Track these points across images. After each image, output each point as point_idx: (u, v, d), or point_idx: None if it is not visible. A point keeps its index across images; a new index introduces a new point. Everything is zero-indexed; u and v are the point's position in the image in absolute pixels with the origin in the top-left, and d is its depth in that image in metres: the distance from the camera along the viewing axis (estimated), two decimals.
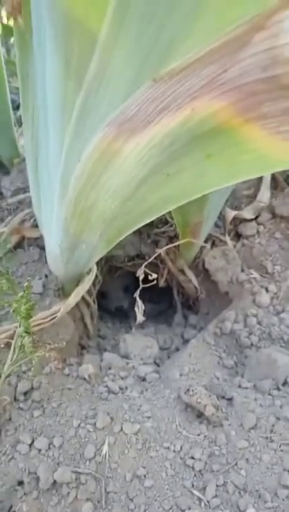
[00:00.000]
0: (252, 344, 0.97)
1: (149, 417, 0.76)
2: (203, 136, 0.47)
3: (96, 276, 1.25)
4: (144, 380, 0.93)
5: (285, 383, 0.85)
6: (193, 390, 0.77)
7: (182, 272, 1.24)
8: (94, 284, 1.23)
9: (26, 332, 0.70)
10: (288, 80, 0.39)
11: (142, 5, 0.41)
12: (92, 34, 0.45)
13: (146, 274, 0.94)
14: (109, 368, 0.96)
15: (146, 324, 1.36)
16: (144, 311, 1.52)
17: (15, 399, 0.80)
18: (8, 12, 0.70)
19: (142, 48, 0.44)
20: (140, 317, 0.96)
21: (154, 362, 1.03)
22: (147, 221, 0.68)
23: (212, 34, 0.36)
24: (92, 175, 0.63)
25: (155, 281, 1.07)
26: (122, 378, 0.92)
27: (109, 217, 0.72)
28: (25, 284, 0.69)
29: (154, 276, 0.89)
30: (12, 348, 0.73)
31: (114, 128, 0.53)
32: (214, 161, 0.50)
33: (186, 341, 1.17)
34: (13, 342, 0.73)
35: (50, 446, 0.72)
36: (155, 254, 0.98)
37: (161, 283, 1.31)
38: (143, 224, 0.69)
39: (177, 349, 1.14)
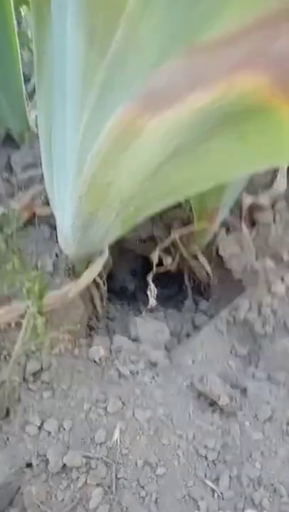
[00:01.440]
0: (266, 334, 0.95)
1: (161, 404, 0.75)
2: (237, 116, 0.44)
3: (107, 260, 1.23)
4: (155, 365, 0.90)
5: None
6: (207, 379, 0.75)
7: (195, 257, 1.21)
8: (105, 265, 1.20)
9: (39, 313, 0.68)
10: None
11: None
12: (117, 2, 0.42)
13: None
14: (120, 351, 0.94)
15: (156, 308, 1.33)
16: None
17: (24, 379, 0.78)
18: None
19: (174, 16, 0.40)
20: (152, 301, 0.94)
21: (165, 347, 1.01)
22: (167, 204, 0.65)
23: (256, 4, 0.33)
24: (113, 152, 0.59)
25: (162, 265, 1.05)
26: (133, 362, 0.90)
27: (126, 197, 0.68)
28: (39, 262, 0.67)
29: (169, 261, 0.86)
30: (23, 328, 0.70)
31: (139, 102, 0.49)
32: (248, 142, 0.46)
33: (196, 327, 1.15)
34: (24, 322, 0.71)
35: (60, 428, 0.70)
36: (169, 238, 0.95)
37: (173, 267, 1.28)
38: (162, 207, 0.66)
39: (187, 335, 1.12)
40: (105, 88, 0.53)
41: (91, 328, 1.13)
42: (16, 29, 1.24)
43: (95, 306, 1.18)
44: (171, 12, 0.42)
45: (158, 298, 1.49)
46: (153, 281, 1.42)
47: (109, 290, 1.44)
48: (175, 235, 1.02)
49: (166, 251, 1.29)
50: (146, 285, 1.06)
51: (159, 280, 1.53)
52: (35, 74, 0.83)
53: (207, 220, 1.03)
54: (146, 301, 1.05)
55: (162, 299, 1.48)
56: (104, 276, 1.21)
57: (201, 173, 0.56)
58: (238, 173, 0.52)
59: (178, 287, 1.47)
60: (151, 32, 0.44)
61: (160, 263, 0.91)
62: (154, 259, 0.90)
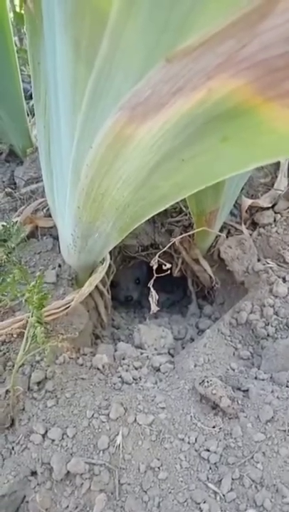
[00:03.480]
0: (268, 335, 0.95)
1: (163, 408, 0.75)
2: (219, 118, 0.45)
3: (110, 266, 1.24)
4: (158, 370, 0.91)
5: None
6: (208, 381, 0.76)
7: (197, 261, 1.22)
8: (107, 273, 1.22)
9: (38, 322, 0.69)
10: None
11: None
12: (102, 12, 0.43)
13: (159, 264, 0.92)
14: (123, 358, 0.95)
15: (160, 314, 1.34)
16: (158, 301, 1.51)
17: (28, 388, 0.79)
18: None
19: (154, 25, 0.42)
20: (154, 307, 0.95)
21: (169, 352, 1.02)
22: (161, 209, 0.66)
23: (229, 6, 0.34)
24: (105, 161, 0.61)
25: (169, 271, 1.05)
26: (136, 368, 0.91)
27: (122, 205, 0.70)
28: (38, 273, 0.68)
29: (168, 266, 0.87)
30: (24, 337, 0.72)
31: (126, 112, 0.51)
32: (231, 144, 0.48)
33: (200, 331, 1.16)
34: (25, 332, 0.72)
35: (64, 436, 0.71)
36: (169, 244, 0.97)
37: (176, 273, 1.29)
38: (157, 212, 0.67)
39: (192, 339, 1.12)
40: (94, 99, 0.55)
41: (96, 337, 1.14)
42: (15, 45, 1.26)
43: (99, 315, 1.19)
44: (151, 21, 0.43)
45: (163, 304, 1.51)
46: (158, 287, 1.43)
47: (114, 298, 1.46)
48: (175, 240, 1.02)
49: (169, 257, 1.30)
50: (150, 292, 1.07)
51: (164, 286, 1.54)
52: (32, 88, 0.85)
53: (206, 224, 1.03)
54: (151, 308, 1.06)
55: (167, 305, 1.49)
56: (108, 284, 1.22)
57: (189, 176, 0.57)
58: (225, 175, 0.52)
59: (183, 292, 1.48)
60: (133, 42, 0.46)
61: (163, 269, 0.91)
62: (154, 264, 0.91)
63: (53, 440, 0.70)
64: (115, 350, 0.98)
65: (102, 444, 0.69)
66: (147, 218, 0.70)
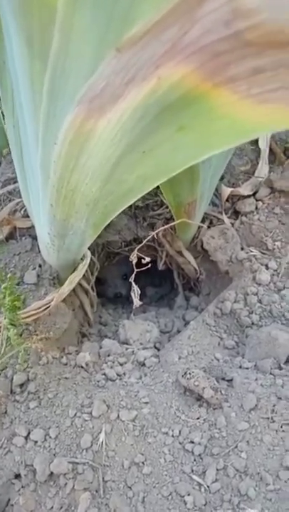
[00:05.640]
0: (253, 323, 0.94)
1: (146, 403, 0.75)
2: (173, 107, 0.44)
3: (93, 263, 1.23)
4: (143, 365, 0.91)
5: (287, 361, 0.83)
6: (190, 373, 0.75)
7: (180, 253, 1.21)
8: (92, 271, 1.21)
9: (12, 324, 0.69)
10: (252, 35, 0.35)
11: None
12: (50, 6, 0.42)
13: (143, 258, 0.91)
14: (108, 355, 0.94)
15: (147, 308, 1.34)
16: (146, 295, 1.50)
17: (11, 391, 0.79)
18: None
19: (101, 14, 0.41)
20: (137, 302, 0.94)
21: (154, 346, 1.01)
22: (130, 202, 0.66)
23: None
24: (70, 157, 0.60)
25: (154, 265, 1.05)
26: (121, 364, 0.90)
27: (92, 200, 0.69)
28: (9, 275, 0.67)
29: (148, 259, 0.87)
30: None
31: (84, 105, 0.50)
32: (186, 133, 0.47)
33: (187, 323, 1.15)
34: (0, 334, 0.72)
35: (46, 437, 0.71)
36: (149, 237, 0.96)
37: (161, 266, 1.28)
38: (127, 205, 0.67)
39: (179, 332, 1.12)
40: (53, 95, 0.54)
41: (83, 335, 1.14)
42: None
43: (85, 313, 1.19)
44: (96, 13, 0.42)
45: (152, 298, 1.50)
46: (146, 281, 1.42)
47: (102, 295, 1.45)
48: (154, 233, 1.01)
49: (153, 250, 1.29)
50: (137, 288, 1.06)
51: (152, 280, 1.53)
52: (0, 88, 0.84)
53: (186, 215, 1.02)
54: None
55: (155, 298, 1.48)
56: (92, 282, 1.22)
57: (151, 168, 0.57)
58: (185, 165, 0.52)
59: (170, 285, 1.47)
60: (83, 33, 0.45)
61: (146, 263, 0.91)
62: (133, 259, 0.90)
63: (36, 442, 0.70)
64: (100, 348, 0.97)
65: (85, 443, 0.69)
66: (118, 212, 0.69)
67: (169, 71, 0.39)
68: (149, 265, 0.94)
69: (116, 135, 0.52)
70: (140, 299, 0.96)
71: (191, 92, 0.40)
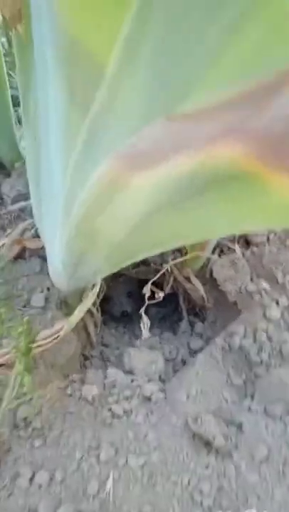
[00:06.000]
0: (262, 361, 0.93)
1: (155, 448, 0.73)
2: (221, 180, 0.43)
3: (100, 285, 1.21)
4: (149, 400, 0.89)
5: None
6: (201, 419, 0.74)
7: (188, 279, 1.19)
8: (98, 292, 1.19)
9: (26, 370, 0.66)
10: None
11: (158, 39, 0.36)
12: (99, 64, 0.40)
13: (156, 293, 0.90)
14: (114, 386, 0.92)
15: (150, 330, 1.32)
16: (148, 314, 1.48)
17: (14, 426, 0.77)
18: (8, 20, 0.64)
19: (154, 85, 0.39)
20: (146, 333, 0.93)
21: (160, 378, 0.99)
22: (158, 252, 0.64)
23: (237, 78, 0.31)
24: (99, 202, 0.59)
25: (160, 287, 1.03)
26: (127, 399, 0.88)
27: (115, 243, 0.68)
28: (25, 319, 0.65)
29: (161, 295, 0.85)
30: (11, 386, 0.69)
31: (122, 160, 0.49)
32: (236, 205, 0.45)
33: (192, 351, 1.14)
34: (12, 378, 0.69)
35: (52, 480, 0.69)
36: (161, 272, 0.94)
37: (167, 290, 1.26)
38: (153, 254, 0.65)
39: (183, 360, 1.11)
40: (88, 145, 0.53)
41: (85, 358, 1.12)
42: (3, 48, 1.22)
43: (88, 335, 1.17)
44: (152, 79, 0.41)
45: (153, 317, 1.48)
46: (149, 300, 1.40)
47: (104, 312, 1.43)
48: (168, 265, 1.00)
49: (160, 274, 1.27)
50: (141, 306, 1.04)
51: (154, 293, 1.51)
52: (22, 108, 0.82)
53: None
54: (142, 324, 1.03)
55: (158, 319, 1.46)
56: (98, 304, 1.20)
57: (186, 229, 0.55)
58: (224, 233, 0.51)
59: (174, 306, 1.45)
60: (132, 96, 0.43)
61: (154, 292, 0.90)
62: (147, 293, 0.88)
63: (41, 485, 0.68)
64: (105, 377, 0.95)
65: (92, 489, 0.67)
66: (142, 258, 0.68)
67: (223, 150, 0.38)
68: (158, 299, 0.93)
69: (153, 194, 0.51)
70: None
71: (246, 172, 0.39)
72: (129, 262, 0.72)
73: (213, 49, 0.33)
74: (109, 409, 0.83)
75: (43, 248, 1.06)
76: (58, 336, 0.86)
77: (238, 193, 0.44)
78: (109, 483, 0.67)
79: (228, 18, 0.31)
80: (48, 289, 1.00)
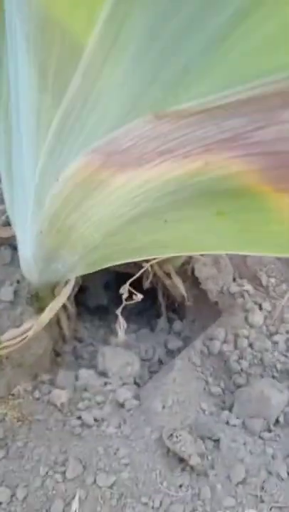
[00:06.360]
0: (242, 370, 0.89)
1: (126, 465, 0.68)
2: (216, 193, 0.37)
3: (75, 278, 1.15)
4: (122, 406, 0.84)
5: (276, 422, 0.78)
6: (177, 437, 0.69)
7: (169, 275, 1.14)
8: (73, 286, 1.13)
9: None
10: None
11: (148, 14, 0.29)
12: (75, 45, 0.33)
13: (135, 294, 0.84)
14: (85, 390, 0.87)
15: (127, 324, 1.26)
16: (127, 308, 1.43)
17: None
18: None
19: (142, 72, 0.32)
20: (122, 336, 0.87)
21: (135, 381, 0.94)
22: (138, 259, 0.58)
23: (246, 77, 0.25)
24: (72, 198, 0.53)
25: (139, 281, 0.98)
26: (99, 404, 0.83)
27: (91, 244, 0.61)
28: None
29: (140, 296, 0.80)
30: None
31: (100, 156, 0.43)
32: (226, 220, 0.39)
33: (169, 351, 1.09)
34: None
35: (13, 498, 0.63)
36: (142, 270, 0.88)
37: (146, 285, 1.21)
38: (133, 260, 0.59)
39: (160, 361, 1.06)
40: (62, 134, 0.46)
41: (57, 354, 1.06)
42: None
43: (61, 328, 1.11)
44: (136, 69, 0.34)
45: (130, 312, 1.42)
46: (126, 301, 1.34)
47: (79, 304, 1.36)
48: (148, 265, 0.94)
49: (139, 268, 1.21)
50: (118, 297, 0.98)
51: (132, 293, 1.45)
52: None
53: None
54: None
55: (135, 314, 1.41)
56: (72, 297, 1.13)
57: (173, 239, 0.49)
58: (217, 250, 0.45)
59: (152, 300, 1.40)
60: (113, 86, 0.36)
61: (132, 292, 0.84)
62: (124, 293, 0.82)
63: (1, 503, 0.63)
64: (76, 379, 0.90)
65: (55, 510, 0.62)
66: (120, 263, 0.62)
67: (222, 161, 0.32)
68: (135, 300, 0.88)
69: (135, 197, 0.44)
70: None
71: (246, 188, 0.33)
72: (107, 265, 0.66)
73: (218, 36, 0.27)
74: (79, 418, 0.78)
75: (14, 237, 0.99)
76: (27, 337, 0.80)
77: (234, 211, 0.38)
78: (75, 504, 0.63)
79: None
80: (18, 281, 0.93)
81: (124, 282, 0.92)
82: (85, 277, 1.29)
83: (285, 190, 0.31)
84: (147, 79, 0.32)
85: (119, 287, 0.98)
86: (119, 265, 1.20)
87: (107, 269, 1.36)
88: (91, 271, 0.72)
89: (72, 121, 0.42)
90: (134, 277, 0.86)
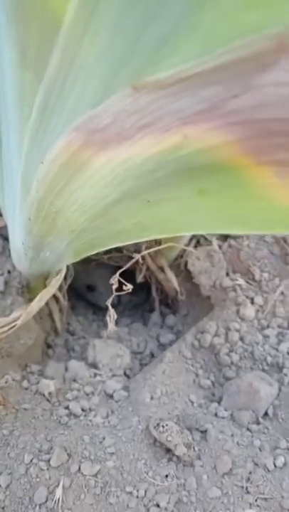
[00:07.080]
0: (232, 363, 0.88)
1: (111, 454, 0.68)
2: (197, 169, 0.36)
3: (68, 269, 1.14)
4: (111, 397, 0.84)
5: (265, 415, 0.77)
6: (163, 426, 0.69)
7: (162, 269, 1.13)
8: (65, 277, 1.12)
9: None
10: None
11: None
12: (54, 18, 0.33)
13: (124, 284, 0.83)
14: (74, 380, 0.87)
15: (120, 320, 1.26)
16: (121, 302, 1.43)
17: None
18: None
19: (120, 43, 0.32)
20: (112, 327, 0.87)
21: (125, 373, 0.94)
22: (123, 243, 0.58)
23: (222, 42, 0.25)
24: (57, 181, 0.52)
25: (132, 273, 0.97)
26: (87, 395, 0.83)
27: (77, 228, 0.61)
28: None
29: (130, 287, 0.79)
30: None
31: (81, 135, 0.42)
32: (208, 199, 0.39)
33: (161, 345, 1.09)
34: None
35: None
36: (133, 260, 0.88)
37: (139, 279, 1.20)
38: (118, 245, 0.59)
39: (151, 354, 1.05)
40: (45, 112, 0.46)
41: (48, 346, 1.06)
42: None
43: (53, 321, 1.10)
44: (114, 40, 0.33)
45: (125, 305, 1.42)
46: (119, 288, 1.33)
47: (74, 293, 1.35)
48: (139, 256, 0.93)
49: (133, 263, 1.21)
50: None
51: (123, 283, 1.44)
52: None
53: (174, 239, 0.95)
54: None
55: (129, 307, 1.40)
56: (65, 289, 1.13)
57: (155, 220, 0.49)
58: (201, 230, 0.44)
59: (146, 294, 1.39)
60: (90, 61, 0.36)
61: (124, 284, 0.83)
62: (114, 284, 0.82)
63: None
64: (66, 370, 0.90)
65: (39, 498, 0.62)
66: (107, 248, 0.61)
67: (201, 133, 0.31)
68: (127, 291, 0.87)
69: (116, 176, 0.44)
70: (113, 307, 0.89)
71: (226, 162, 0.32)
72: (94, 251, 0.65)
73: (194, 3, 0.27)
74: (67, 407, 0.77)
75: (5, 227, 0.98)
76: (16, 325, 0.80)
77: (215, 188, 0.37)
78: (59, 492, 0.62)
79: None
80: (9, 271, 0.93)
81: (127, 280, 0.91)
82: (93, 277, 1.29)
83: (266, 163, 0.31)
84: (126, 49, 0.32)
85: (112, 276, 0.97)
86: (113, 258, 1.21)
87: (112, 267, 1.37)
88: (78, 258, 0.72)
89: (54, 99, 0.42)
90: (124, 268, 0.85)
